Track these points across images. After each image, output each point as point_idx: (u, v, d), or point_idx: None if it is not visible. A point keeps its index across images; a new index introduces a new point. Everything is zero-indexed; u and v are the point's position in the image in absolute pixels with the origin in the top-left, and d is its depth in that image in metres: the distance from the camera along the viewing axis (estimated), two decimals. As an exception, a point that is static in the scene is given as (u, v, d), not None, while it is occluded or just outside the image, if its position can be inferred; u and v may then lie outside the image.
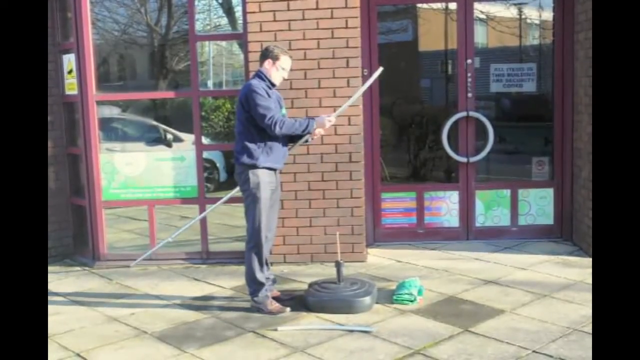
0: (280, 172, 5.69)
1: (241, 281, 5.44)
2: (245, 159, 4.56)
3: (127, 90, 9.33)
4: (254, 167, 4.55)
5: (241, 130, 4.60)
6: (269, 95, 4.52)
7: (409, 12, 6.93)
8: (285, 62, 4.62)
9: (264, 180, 4.58)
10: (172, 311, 4.79)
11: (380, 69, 4.90)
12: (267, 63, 4.60)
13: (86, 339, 4.30)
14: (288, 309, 4.69)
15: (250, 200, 4.63)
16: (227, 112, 10.39)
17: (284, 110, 4.74)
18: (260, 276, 4.67)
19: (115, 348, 4.15)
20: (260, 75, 4.61)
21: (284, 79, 4.72)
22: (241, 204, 6.38)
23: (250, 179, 4.57)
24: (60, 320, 4.66)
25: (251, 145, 4.54)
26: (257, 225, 4.63)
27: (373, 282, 4.99)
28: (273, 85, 4.63)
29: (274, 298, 4.81)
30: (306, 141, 4.80)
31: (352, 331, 4.27)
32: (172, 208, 6.99)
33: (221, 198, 5.51)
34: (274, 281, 4.98)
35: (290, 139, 4.75)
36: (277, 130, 4.44)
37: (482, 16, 6.67)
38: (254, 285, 4.70)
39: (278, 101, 4.67)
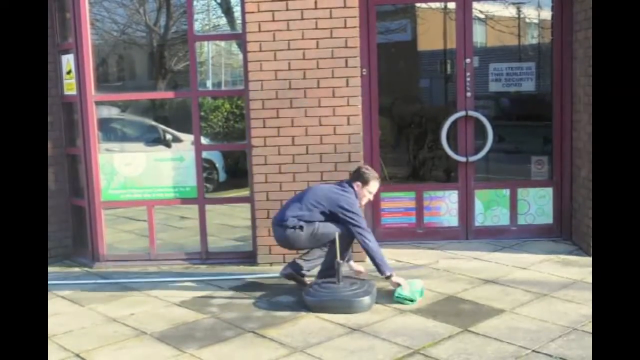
0: (280, 173, 5.72)
1: (241, 281, 5.44)
2: (303, 223, 4.89)
3: (126, 90, 9.33)
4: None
5: (306, 214, 4.90)
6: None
7: (407, 12, 6.93)
8: (373, 187, 5.00)
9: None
10: (171, 311, 4.79)
11: None
12: (356, 186, 4.97)
13: (86, 340, 4.30)
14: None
15: (316, 234, 4.91)
16: (226, 112, 10.39)
17: None
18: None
19: (114, 348, 4.15)
20: (352, 190, 4.95)
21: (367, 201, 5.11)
22: (241, 204, 6.41)
23: (307, 229, 4.90)
24: (60, 320, 4.66)
25: (315, 219, 4.91)
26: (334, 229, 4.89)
27: (372, 281, 4.99)
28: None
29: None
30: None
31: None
32: (172, 208, 6.99)
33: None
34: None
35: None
36: (363, 240, 4.83)
37: (481, 15, 6.67)
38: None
39: None
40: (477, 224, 6.51)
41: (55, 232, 6.24)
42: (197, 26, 6.93)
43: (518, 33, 6.93)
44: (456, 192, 6.50)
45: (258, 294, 5.08)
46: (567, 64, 6.19)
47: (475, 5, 6.34)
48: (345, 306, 4.60)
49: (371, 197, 5.07)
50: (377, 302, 4.74)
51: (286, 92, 5.66)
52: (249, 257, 5.96)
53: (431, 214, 6.53)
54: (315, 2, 5.58)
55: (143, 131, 9.59)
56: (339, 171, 5.68)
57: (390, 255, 6.04)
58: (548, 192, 6.47)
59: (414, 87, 7.23)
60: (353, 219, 4.85)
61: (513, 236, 6.46)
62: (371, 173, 5.02)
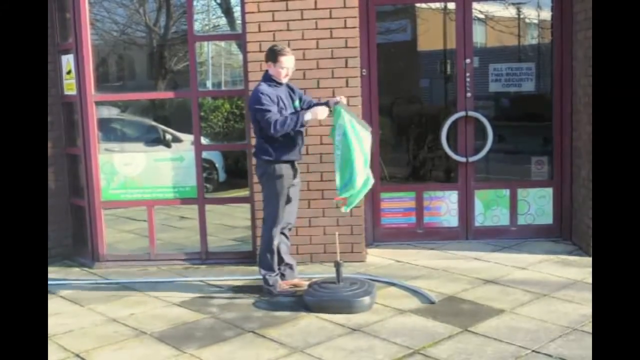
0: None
1: (240, 281, 5.44)
2: (263, 156, 4.87)
3: (126, 90, 9.32)
4: (272, 162, 4.85)
5: (256, 130, 4.92)
6: (270, 98, 4.73)
7: (407, 12, 6.93)
8: (283, 62, 4.81)
9: (282, 173, 4.86)
10: (171, 311, 4.79)
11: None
12: (269, 67, 4.87)
13: (86, 340, 4.30)
14: (302, 286, 4.98)
15: (268, 192, 4.95)
16: (226, 112, 10.40)
17: (296, 103, 4.97)
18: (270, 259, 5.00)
19: (114, 349, 4.15)
20: (266, 76, 4.89)
21: (290, 75, 4.92)
22: (241, 205, 6.41)
23: (267, 172, 4.88)
24: (60, 320, 4.66)
25: (266, 145, 4.83)
26: (275, 215, 4.93)
27: (372, 282, 4.99)
28: (280, 83, 4.88)
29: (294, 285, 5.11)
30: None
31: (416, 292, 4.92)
32: (172, 208, 7.00)
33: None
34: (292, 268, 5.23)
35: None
36: (273, 131, 4.68)
37: (481, 16, 6.67)
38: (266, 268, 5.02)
39: (290, 95, 4.95)
40: (477, 224, 6.51)
41: (55, 232, 6.23)
42: (197, 26, 6.94)
43: (518, 33, 6.93)
44: (456, 192, 6.49)
45: (258, 294, 5.08)
46: (567, 64, 6.19)
47: (475, 5, 6.34)
48: (345, 306, 4.60)
49: (289, 72, 4.85)
50: (376, 302, 4.74)
51: (286, 92, 5.65)
52: (249, 257, 5.96)
53: (431, 214, 6.53)
54: (315, 2, 5.58)
55: (143, 131, 9.60)
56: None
57: (390, 255, 6.06)
58: (548, 192, 6.47)
59: (414, 88, 7.23)
60: (262, 114, 4.67)
61: (513, 236, 6.46)
62: (277, 49, 4.81)
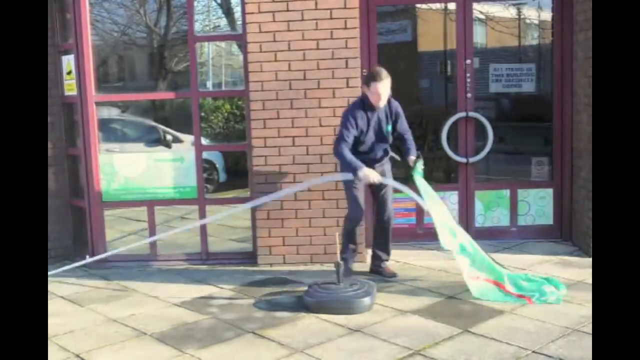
0: (280, 173, 5.72)
1: (241, 282, 5.44)
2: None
3: (127, 91, 9.34)
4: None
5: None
6: (355, 122, 4.99)
7: (408, 13, 6.93)
8: (376, 87, 4.96)
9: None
10: (171, 312, 4.79)
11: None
12: (364, 88, 5.09)
13: (86, 340, 4.30)
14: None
15: (344, 188, 5.37)
16: (226, 112, 10.41)
17: (389, 127, 5.20)
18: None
19: (114, 349, 4.15)
20: (363, 97, 5.10)
21: (384, 100, 5.07)
22: (241, 205, 6.43)
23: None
24: (60, 321, 4.66)
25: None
26: (351, 206, 5.31)
27: (372, 282, 4.99)
28: (373, 107, 5.06)
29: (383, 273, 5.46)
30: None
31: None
32: (172, 209, 7.00)
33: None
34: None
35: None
36: (335, 153, 5.10)
37: (481, 16, 6.67)
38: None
39: (386, 116, 5.15)
40: (477, 224, 6.51)
41: (55, 232, 6.23)
42: (197, 27, 6.95)
43: (518, 34, 6.93)
44: (456, 192, 6.49)
45: (258, 294, 5.09)
46: (567, 65, 6.19)
47: (475, 6, 6.33)
48: (345, 307, 4.60)
49: (380, 96, 4.99)
50: (376, 303, 4.74)
51: (286, 93, 5.66)
52: (250, 258, 5.96)
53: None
54: (316, 3, 5.58)
55: (143, 132, 9.62)
56: (339, 172, 5.68)
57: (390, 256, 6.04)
58: (548, 193, 6.47)
59: (414, 88, 7.23)
60: (340, 130, 5.05)
61: (513, 237, 6.46)
62: (371, 74, 5.02)
